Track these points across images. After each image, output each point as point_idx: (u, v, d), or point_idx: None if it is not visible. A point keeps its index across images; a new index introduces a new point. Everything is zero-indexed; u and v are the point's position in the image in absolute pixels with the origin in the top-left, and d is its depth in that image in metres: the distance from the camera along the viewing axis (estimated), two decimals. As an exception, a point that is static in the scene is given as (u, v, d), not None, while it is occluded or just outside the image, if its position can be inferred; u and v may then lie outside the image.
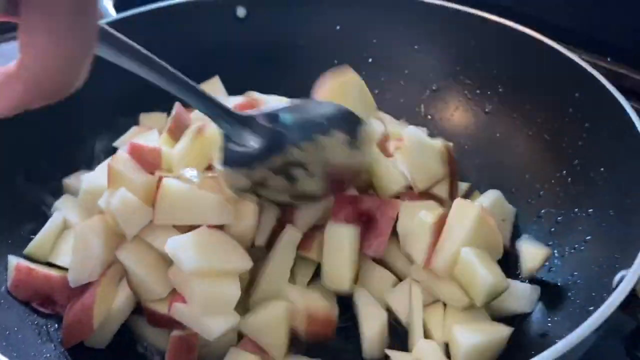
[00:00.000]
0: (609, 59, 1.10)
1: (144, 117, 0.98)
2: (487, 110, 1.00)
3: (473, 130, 1.01)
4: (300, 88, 1.05)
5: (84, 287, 0.70)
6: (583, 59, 0.86)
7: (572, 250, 0.77)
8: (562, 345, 0.51)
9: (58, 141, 0.89)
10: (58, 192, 0.87)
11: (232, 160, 0.67)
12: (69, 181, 0.88)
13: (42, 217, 0.82)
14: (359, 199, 0.76)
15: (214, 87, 1.02)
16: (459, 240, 0.68)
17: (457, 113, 1.04)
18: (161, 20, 1.03)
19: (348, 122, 0.67)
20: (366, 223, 0.76)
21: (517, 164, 0.93)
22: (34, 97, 0.42)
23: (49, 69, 0.40)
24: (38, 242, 0.77)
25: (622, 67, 1.10)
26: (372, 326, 0.71)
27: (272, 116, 0.66)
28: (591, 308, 0.59)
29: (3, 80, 0.42)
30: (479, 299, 0.66)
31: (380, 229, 0.75)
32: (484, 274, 0.65)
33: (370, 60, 1.11)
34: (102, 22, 0.98)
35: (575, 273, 0.73)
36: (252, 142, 0.64)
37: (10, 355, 0.56)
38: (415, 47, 1.08)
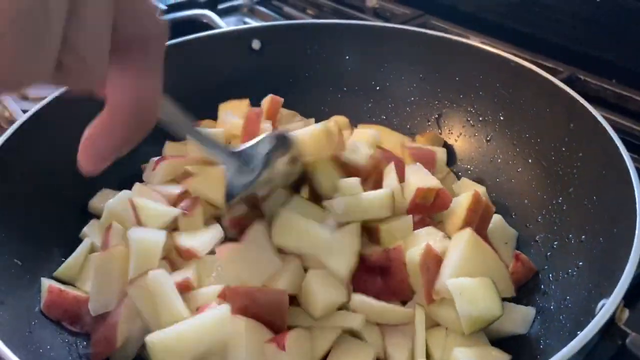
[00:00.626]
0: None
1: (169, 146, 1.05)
2: (488, 137, 1.05)
3: (476, 156, 1.06)
4: (311, 112, 1.13)
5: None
6: (577, 92, 0.90)
7: (565, 275, 0.81)
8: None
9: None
10: (85, 214, 0.94)
11: (236, 190, 0.76)
12: (94, 203, 0.95)
13: (72, 240, 0.89)
14: (366, 258, 0.79)
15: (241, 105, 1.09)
16: (451, 268, 0.73)
17: (460, 139, 1.09)
18: (182, 53, 1.10)
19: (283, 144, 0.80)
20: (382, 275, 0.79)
21: (517, 189, 0.97)
22: None
23: None
24: (67, 266, 0.83)
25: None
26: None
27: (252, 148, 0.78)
28: (578, 332, 0.63)
29: None
30: (464, 329, 0.71)
31: (397, 279, 0.78)
32: (462, 309, 0.70)
33: (377, 88, 1.17)
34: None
35: (567, 297, 0.78)
36: (249, 169, 0.76)
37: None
38: (421, 75, 1.13)
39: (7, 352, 0.61)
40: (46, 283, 0.80)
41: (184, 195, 0.90)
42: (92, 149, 0.48)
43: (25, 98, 1.35)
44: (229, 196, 0.77)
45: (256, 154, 0.76)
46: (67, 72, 0.39)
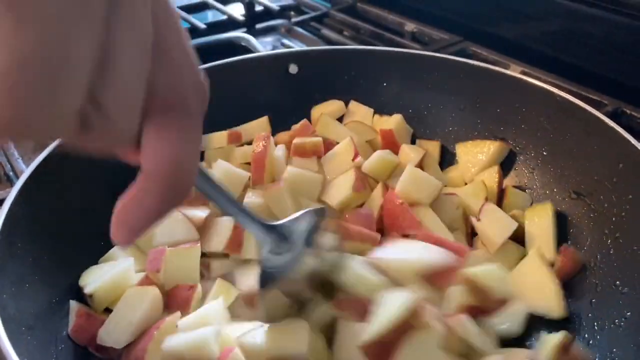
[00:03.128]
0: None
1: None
2: (527, 171, 1.01)
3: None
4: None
5: (138, 339, 0.75)
6: (622, 126, 0.86)
7: (612, 325, 0.77)
8: None
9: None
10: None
11: (271, 274, 0.68)
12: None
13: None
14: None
15: (262, 124, 1.10)
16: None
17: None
18: (219, 76, 1.10)
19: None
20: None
21: (560, 230, 0.93)
22: None
23: None
24: (101, 288, 0.81)
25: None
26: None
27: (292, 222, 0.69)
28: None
29: None
30: None
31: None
32: None
33: (415, 117, 1.14)
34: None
35: (614, 350, 0.73)
36: (286, 246, 0.67)
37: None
38: (461, 106, 1.10)
39: None
40: (75, 307, 0.80)
41: (210, 218, 0.89)
42: (124, 223, 0.43)
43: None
44: (263, 281, 0.68)
45: (296, 230, 0.67)
46: (90, 131, 0.35)
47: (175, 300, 0.81)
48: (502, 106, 1.05)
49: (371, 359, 0.67)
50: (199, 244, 0.86)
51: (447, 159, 1.11)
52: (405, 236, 0.87)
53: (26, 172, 0.83)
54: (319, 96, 1.16)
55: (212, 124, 1.09)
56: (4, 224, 0.75)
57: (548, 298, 0.82)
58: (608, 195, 0.88)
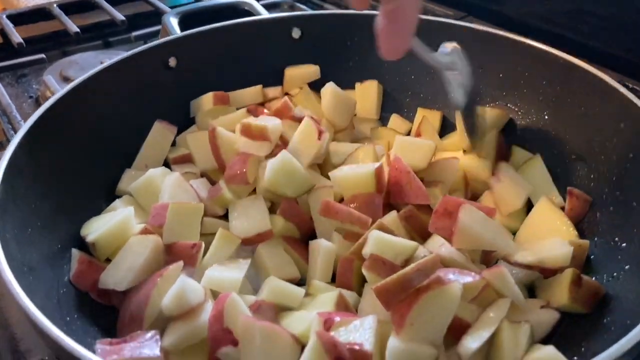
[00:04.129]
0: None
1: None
2: (530, 137, 1.02)
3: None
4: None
5: (140, 285, 0.76)
6: (629, 89, 0.86)
7: (610, 278, 0.77)
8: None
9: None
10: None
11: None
12: (122, 185, 0.96)
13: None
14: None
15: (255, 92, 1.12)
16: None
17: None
18: (223, 38, 1.10)
19: None
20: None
21: (560, 190, 0.93)
22: None
23: None
24: (102, 236, 0.81)
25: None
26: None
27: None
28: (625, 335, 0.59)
29: None
30: None
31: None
32: None
33: (418, 82, 1.14)
34: (170, 38, 1.08)
35: (613, 301, 0.74)
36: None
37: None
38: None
39: (41, 318, 0.60)
40: (77, 254, 0.80)
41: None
42: (395, 32, 0.67)
43: (66, 79, 1.37)
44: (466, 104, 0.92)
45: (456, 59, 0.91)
46: None
47: (177, 256, 0.81)
48: (505, 71, 1.05)
49: (383, 304, 0.69)
50: (201, 204, 0.87)
51: (449, 128, 1.11)
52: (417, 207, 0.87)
53: (28, 121, 0.83)
54: (321, 62, 1.16)
55: (207, 87, 1.10)
56: (7, 169, 0.76)
57: (567, 235, 0.84)
58: (609, 155, 0.88)
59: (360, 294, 0.79)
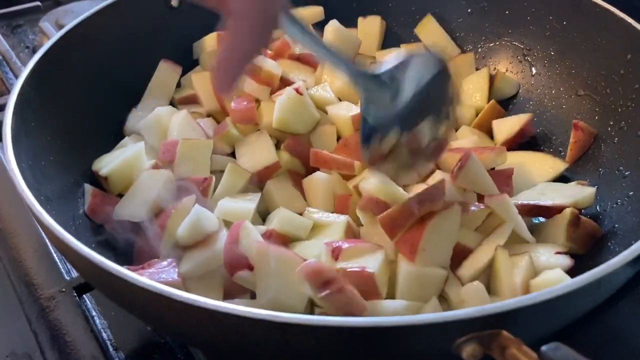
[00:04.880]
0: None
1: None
2: (534, 73, 1.02)
3: (522, 92, 1.04)
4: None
5: (154, 217, 0.77)
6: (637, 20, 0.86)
7: (615, 205, 0.79)
8: (593, 273, 0.54)
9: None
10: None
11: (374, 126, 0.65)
12: (129, 125, 0.95)
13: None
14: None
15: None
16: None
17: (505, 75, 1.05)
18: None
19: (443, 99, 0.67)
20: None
21: (566, 123, 0.94)
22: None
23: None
24: (114, 170, 0.82)
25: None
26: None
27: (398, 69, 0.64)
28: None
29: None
30: None
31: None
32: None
33: (417, 17, 1.13)
34: None
35: (616, 225, 0.76)
36: (389, 100, 0.63)
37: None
38: (469, 10, 1.10)
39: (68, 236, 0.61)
40: (90, 188, 0.81)
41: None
42: (225, 69, 0.53)
43: (62, 26, 1.35)
44: (366, 136, 0.64)
45: (404, 78, 0.62)
46: None
47: (189, 190, 0.82)
48: (511, 7, 1.05)
49: (385, 231, 0.71)
50: (211, 140, 0.88)
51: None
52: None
53: (35, 56, 0.83)
54: (325, 3, 1.14)
55: (210, 27, 1.09)
56: (17, 102, 0.76)
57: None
58: (614, 88, 0.88)
59: (356, 222, 0.80)
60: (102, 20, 0.95)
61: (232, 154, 0.92)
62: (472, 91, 1.04)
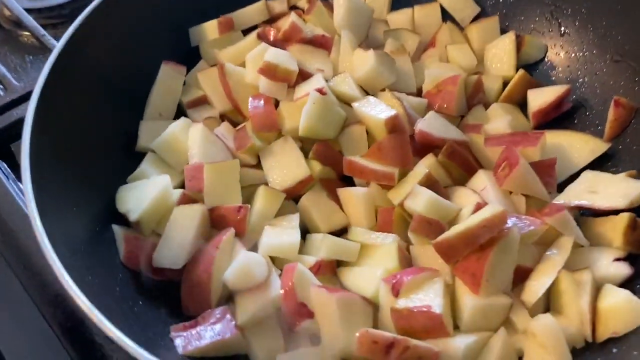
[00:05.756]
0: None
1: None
2: (563, 31, 0.95)
3: (550, 56, 0.98)
4: None
5: (196, 258, 0.74)
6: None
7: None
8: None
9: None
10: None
11: None
12: (142, 142, 0.88)
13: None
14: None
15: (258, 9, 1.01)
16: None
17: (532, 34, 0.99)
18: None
19: None
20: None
21: (601, 94, 0.89)
22: None
23: None
24: (145, 213, 0.77)
25: None
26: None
27: None
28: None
29: None
30: None
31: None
32: None
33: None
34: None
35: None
36: None
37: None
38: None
39: (109, 325, 0.59)
40: (120, 232, 0.76)
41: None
42: None
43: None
44: None
45: None
46: None
47: (223, 220, 0.78)
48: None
49: (442, 257, 0.69)
50: (237, 160, 0.82)
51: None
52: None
53: (37, 85, 0.75)
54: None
55: (204, 14, 0.98)
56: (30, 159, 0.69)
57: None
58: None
59: (403, 238, 0.78)
60: (90, 30, 0.85)
61: (258, 162, 0.86)
62: (498, 58, 0.97)
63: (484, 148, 0.85)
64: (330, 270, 0.76)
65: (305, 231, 0.81)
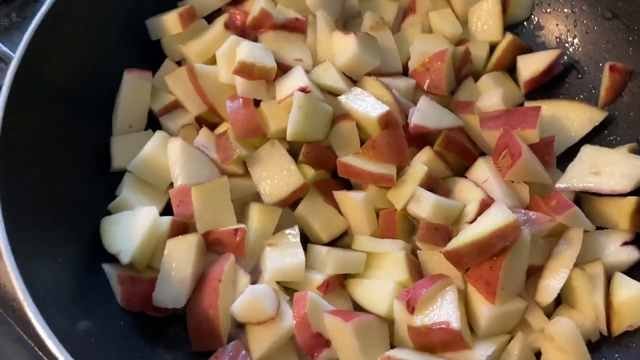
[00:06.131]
0: None
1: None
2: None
3: (537, 14, 0.92)
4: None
5: (198, 291, 0.71)
6: None
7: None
8: None
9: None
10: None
11: None
12: (117, 162, 0.81)
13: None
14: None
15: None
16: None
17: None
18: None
19: None
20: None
21: (594, 56, 0.86)
22: None
23: None
24: (138, 251, 0.72)
25: None
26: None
27: None
28: None
29: None
30: None
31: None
32: None
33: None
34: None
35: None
36: None
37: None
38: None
39: None
40: (112, 273, 0.72)
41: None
42: None
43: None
44: None
45: None
46: None
47: (220, 244, 0.74)
48: None
49: (453, 265, 0.68)
50: (225, 177, 0.77)
51: None
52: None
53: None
54: None
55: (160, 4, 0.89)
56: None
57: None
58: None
59: (407, 240, 0.76)
60: (45, 39, 0.75)
61: (245, 170, 0.81)
62: (483, 21, 0.91)
63: (480, 130, 0.81)
64: (339, 285, 0.74)
65: (305, 238, 0.78)
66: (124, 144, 0.82)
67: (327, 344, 0.66)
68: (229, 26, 0.87)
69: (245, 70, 0.79)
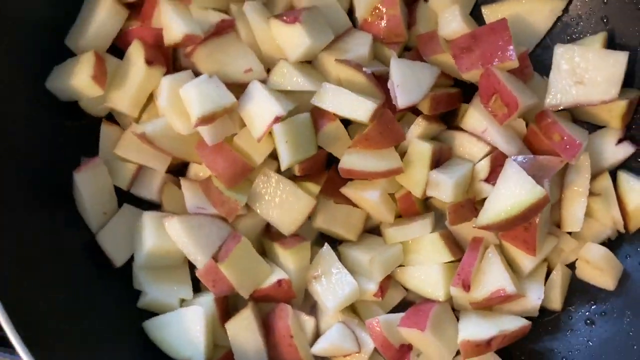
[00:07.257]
0: None
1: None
2: None
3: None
4: None
5: (273, 345, 0.75)
6: None
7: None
8: None
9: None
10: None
11: None
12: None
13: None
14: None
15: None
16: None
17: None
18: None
19: None
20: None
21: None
22: None
23: None
24: (207, 350, 0.72)
25: None
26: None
27: None
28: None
29: None
30: None
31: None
32: None
33: None
34: None
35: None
36: None
37: None
38: None
39: None
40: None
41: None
42: None
43: None
44: None
45: None
46: None
47: (269, 298, 0.76)
48: None
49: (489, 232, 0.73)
50: (244, 238, 0.73)
51: None
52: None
53: None
54: None
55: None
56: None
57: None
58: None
59: (427, 211, 0.79)
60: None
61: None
62: None
63: (454, 66, 0.77)
64: (390, 283, 0.78)
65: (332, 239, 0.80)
66: (111, 236, 0.75)
67: (410, 347, 0.74)
68: (150, 61, 0.72)
69: (208, 120, 0.69)
